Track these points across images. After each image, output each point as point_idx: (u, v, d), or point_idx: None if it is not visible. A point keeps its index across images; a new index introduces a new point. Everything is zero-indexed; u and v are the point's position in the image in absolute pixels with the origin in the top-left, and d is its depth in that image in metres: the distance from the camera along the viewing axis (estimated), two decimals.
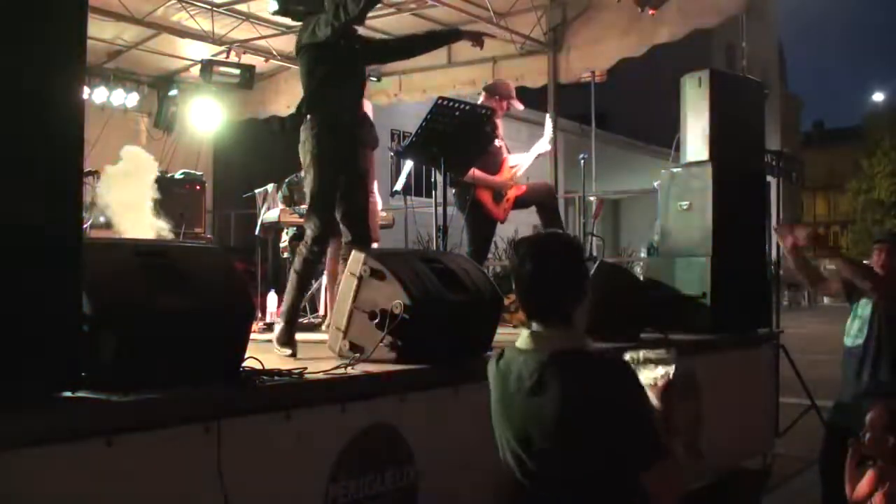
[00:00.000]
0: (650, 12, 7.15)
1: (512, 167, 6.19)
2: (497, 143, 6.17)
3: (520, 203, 6.23)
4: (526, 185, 6.27)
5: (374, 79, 9.41)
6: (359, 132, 4.68)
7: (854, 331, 4.43)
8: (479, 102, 6.01)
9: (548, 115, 6.72)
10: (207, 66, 8.98)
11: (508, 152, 6.27)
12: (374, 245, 5.53)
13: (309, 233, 4.38)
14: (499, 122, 6.29)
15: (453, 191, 6.14)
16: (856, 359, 4.36)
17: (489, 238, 6.34)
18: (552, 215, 6.29)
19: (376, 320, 3.58)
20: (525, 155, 6.33)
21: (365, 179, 4.74)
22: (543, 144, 6.40)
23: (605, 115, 24.94)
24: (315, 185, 4.36)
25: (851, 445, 3.40)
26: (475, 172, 5.95)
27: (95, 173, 6.07)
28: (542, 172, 9.72)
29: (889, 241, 4.51)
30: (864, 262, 4.62)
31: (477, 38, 5.10)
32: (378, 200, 6.31)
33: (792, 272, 4.86)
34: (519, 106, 6.34)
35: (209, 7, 8.22)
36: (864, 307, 4.42)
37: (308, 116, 4.43)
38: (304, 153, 4.43)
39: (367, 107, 5.82)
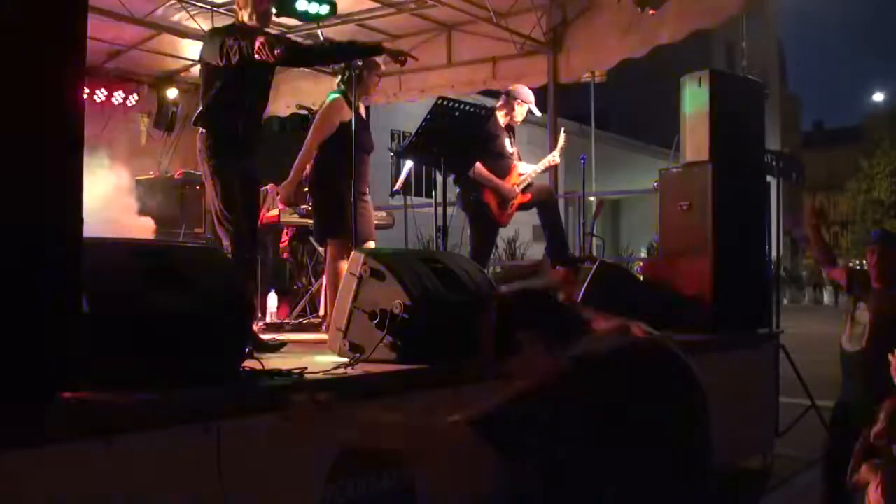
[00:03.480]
0: (650, 12, 7.14)
1: (520, 175, 6.19)
2: (510, 148, 6.18)
3: (522, 206, 6.24)
4: (530, 192, 6.26)
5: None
6: (253, 143, 4.66)
7: (854, 335, 4.42)
8: (496, 105, 6.04)
9: (563, 129, 6.67)
10: None
11: (520, 159, 6.27)
12: (371, 245, 5.53)
13: (232, 241, 4.39)
14: (515, 126, 6.30)
15: (457, 190, 6.15)
16: (856, 362, 4.35)
17: (491, 241, 6.34)
18: (551, 214, 6.30)
19: (376, 320, 3.58)
20: (534, 166, 6.32)
21: (257, 186, 4.74)
22: (554, 156, 6.40)
23: (605, 115, 24.96)
24: (220, 197, 4.39)
25: (863, 437, 3.40)
26: (483, 171, 5.97)
27: None
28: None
29: (880, 243, 4.50)
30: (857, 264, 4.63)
31: (397, 58, 5.02)
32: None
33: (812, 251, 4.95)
34: (537, 112, 6.35)
35: (209, 7, 8.22)
36: (864, 312, 4.42)
37: (202, 130, 4.46)
38: (203, 166, 4.48)
39: (363, 108, 5.83)
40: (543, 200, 6.29)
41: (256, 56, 4.19)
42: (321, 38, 8.67)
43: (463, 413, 2.02)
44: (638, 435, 1.95)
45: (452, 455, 2.12)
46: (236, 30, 4.47)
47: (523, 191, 6.18)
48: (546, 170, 6.43)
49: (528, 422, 1.95)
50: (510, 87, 6.42)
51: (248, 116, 4.59)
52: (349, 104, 5.62)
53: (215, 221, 4.51)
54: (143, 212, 7.11)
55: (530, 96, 6.24)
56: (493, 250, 12.29)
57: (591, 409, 1.94)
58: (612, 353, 2.04)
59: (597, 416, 1.94)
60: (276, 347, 4.24)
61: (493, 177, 5.98)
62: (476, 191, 6.00)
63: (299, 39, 5.76)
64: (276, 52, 4.19)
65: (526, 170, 6.22)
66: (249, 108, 4.60)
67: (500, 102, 6.24)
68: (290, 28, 8.45)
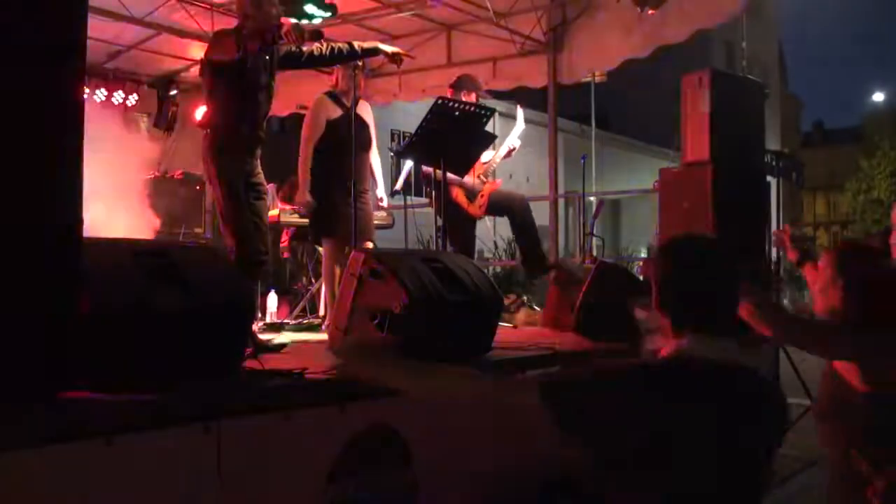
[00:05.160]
0: (650, 12, 7.14)
1: (484, 163, 6.16)
2: None
3: (494, 206, 6.20)
4: (500, 197, 6.24)
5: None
6: (258, 144, 4.69)
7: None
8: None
9: (518, 107, 6.62)
10: None
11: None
12: (369, 245, 5.53)
13: (237, 241, 4.41)
14: None
15: (434, 193, 6.17)
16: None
17: (472, 236, 6.32)
18: (522, 221, 6.22)
19: (376, 320, 3.58)
20: (493, 153, 6.29)
21: (264, 187, 4.76)
22: (513, 138, 6.35)
23: (605, 115, 24.95)
24: (225, 197, 4.43)
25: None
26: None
27: None
28: (542, 172, 9.73)
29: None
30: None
31: (394, 58, 5.07)
32: (385, 197, 6.26)
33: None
34: (487, 97, 6.33)
35: (209, 7, 8.22)
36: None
37: (207, 131, 4.51)
38: (208, 167, 4.51)
39: (365, 107, 5.84)
40: (515, 210, 6.24)
41: (283, 39, 4.22)
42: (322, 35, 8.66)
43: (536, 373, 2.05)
44: (696, 454, 1.92)
45: (511, 412, 2.17)
46: (242, 40, 4.46)
47: (492, 178, 6.20)
48: (509, 154, 6.37)
49: (592, 399, 1.94)
50: (457, 77, 6.34)
51: (253, 117, 4.61)
52: (336, 102, 5.62)
53: (220, 222, 4.52)
54: (143, 212, 7.11)
55: (472, 84, 6.16)
56: (494, 250, 12.33)
57: (659, 411, 1.91)
58: (702, 361, 2.02)
59: (662, 420, 1.91)
60: (276, 349, 4.23)
61: (453, 176, 5.98)
62: (444, 192, 6.04)
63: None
64: (304, 37, 4.26)
65: (487, 157, 6.18)
66: (253, 110, 4.62)
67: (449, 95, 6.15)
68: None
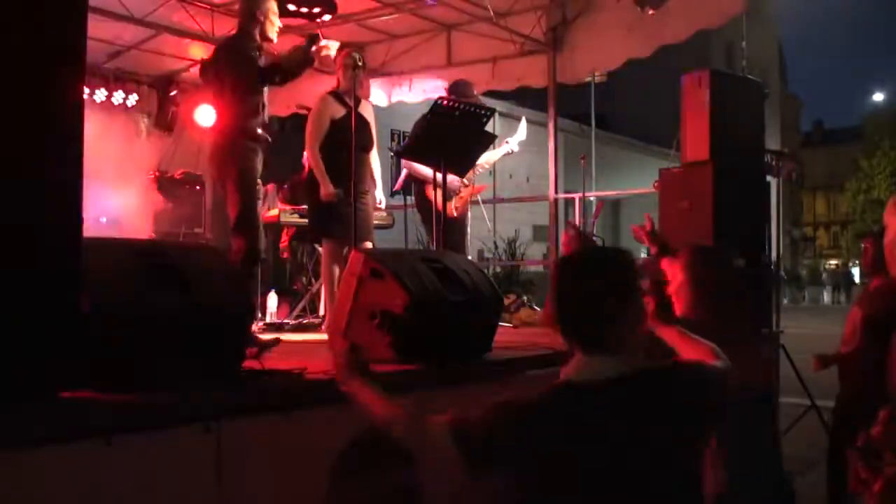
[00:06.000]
0: (650, 12, 7.14)
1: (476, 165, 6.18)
2: None
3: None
4: (483, 186, 6.33)
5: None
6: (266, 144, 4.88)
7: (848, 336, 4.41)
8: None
9: (524, 118, 6.66)
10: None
11: None
12: (368, 245, 5.53)
13: (252, 242, 4.57)
14: None
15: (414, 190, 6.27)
16: (850, 363, 4.34)
17: (447, 235, 6.33)
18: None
19: (376, 320, 3.58)
20: (491, 152, 6.30)
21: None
22: (513, 144, 6.37)
23: (605, 115, 24.95)
24: (247, 198, 4.61)
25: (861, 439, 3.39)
26: (419, 171, 6.00)
27: None
28: (542, 172, 9.73)
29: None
30: None
31: (313, 41, 5.16)
32: (383, 199, 6.27)
33: None
34: (482, 101, 6.35)
35: (209, 7, 8.22)
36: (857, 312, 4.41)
37: (231, 133, 4.64)
38: (227, 168, 4.64)
39: (367, 107, 5.84)
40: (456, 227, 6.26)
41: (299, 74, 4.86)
42: (321, 38, 8.66)
43: (449, 414, 2.05)
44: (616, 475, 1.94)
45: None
46: (256, 45, 4.71)
47: (475, 182, 6.23)
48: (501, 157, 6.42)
49: (496, 440, 1.98)
50: (452, 82, 6.38)
51: (262, 119, 4.78)
52: (340, 102, 5.63)
53: (232, 221, 4.55)
54: (143, 212, 7.11)
55: (467, 91, 6.17)
56: (494, 250, 12.31)
57: (562, 441, 1.93)
58: (602, 383, 1.99)
59: (571, 448, 1.93)
60: (268, 345, 4.25)
61: (428, 172, 5.99)
62: (419, 187, 6.08)
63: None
64: (309, 63, 4.89)
65: (481, 160, 6.19)
66: (262, 111, 4.79)
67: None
68: (290, 28, 8.44)
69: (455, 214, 6.19)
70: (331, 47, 4.96)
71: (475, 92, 6.31)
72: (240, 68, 4.67)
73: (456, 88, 6.17)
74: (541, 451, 1.94)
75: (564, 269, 2.13)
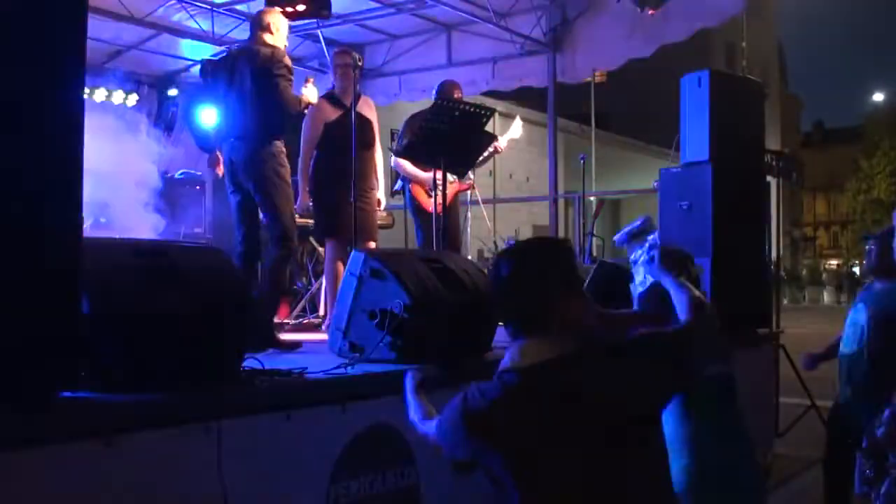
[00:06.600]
0: (650, 12, 7.14)
1: None
2: None
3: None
4: (468, 184, 6.39)
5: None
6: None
7: (849, 337, 4.40)
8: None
9: (518, 117, 6.65)
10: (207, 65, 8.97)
11: None
12: (371, 245, 5.53)
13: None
14: None
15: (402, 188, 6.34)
16: (851, 363, 4.34)
17: (433, 232, 6.32)
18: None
19: (376, 320, 3.58)
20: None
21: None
22: (501, 141, 6.34)
23: (605, 115, 24.92)
24: (287, 204, 4.68)
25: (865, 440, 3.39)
26: (404, 166, 6.04)
27: None
28: (542, 172, 9.73)
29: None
30: None
31: None
32: (383, 199, 6.26)
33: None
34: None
35: (209, 7, 8.23)
36: (860, 312, 4.40)
37: (273, 137, 4.72)
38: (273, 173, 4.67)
39: (368, 104, 5.84)
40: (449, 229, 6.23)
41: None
42: (321, 38, 8.67)
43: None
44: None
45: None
46: (283, 64, 4.70)
47: (462, 179, 6.24)
48: (490, 155, 6.35)
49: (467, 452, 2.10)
50: (439, 84, 6.36)
51: None
52: (334, 103, 5.63)
53: (273, 219, 4.61)
54: (143, 212, 7.11)
55: (453, 89, 6.17)
56: (494, 250, 12.32)
57: (521, 429, 1.98)
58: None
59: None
60: (293, 346, 4.33)
61: (415, 171, 6.03)
62: (405, 187, 6.16)
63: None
64: None
65: None
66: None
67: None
68: (290, 29, 8.44)
69: (439, 211, 6.17)
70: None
71: (461, 93, 6.28)
72: (282, 90, 4.73)
73: (442, 89, 6.18)
74: (506, 444, 2.00)
75: (504, 257, 2.19)
